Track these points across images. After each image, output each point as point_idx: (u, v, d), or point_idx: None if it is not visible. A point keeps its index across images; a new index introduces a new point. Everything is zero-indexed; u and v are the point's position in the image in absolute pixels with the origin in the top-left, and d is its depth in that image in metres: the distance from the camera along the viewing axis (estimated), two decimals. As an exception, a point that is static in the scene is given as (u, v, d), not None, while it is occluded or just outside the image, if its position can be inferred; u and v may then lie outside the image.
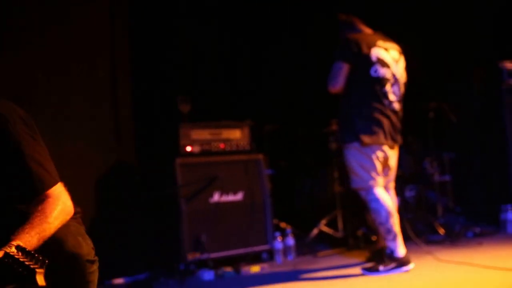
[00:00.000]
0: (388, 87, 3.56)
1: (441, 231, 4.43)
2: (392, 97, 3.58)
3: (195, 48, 4.94)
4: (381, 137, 3.51)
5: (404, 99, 3.72)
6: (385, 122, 3.53)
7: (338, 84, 3.54)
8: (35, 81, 3.59)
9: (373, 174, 3.51)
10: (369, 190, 3.51)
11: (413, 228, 4.14)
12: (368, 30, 3.72)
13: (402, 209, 4.23)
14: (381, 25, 3.81)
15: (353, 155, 3.55)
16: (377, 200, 3.48)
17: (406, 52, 3.78)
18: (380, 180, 3.54)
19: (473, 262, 3.41)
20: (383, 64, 3.56)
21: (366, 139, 3.48)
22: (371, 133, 3.49)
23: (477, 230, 4.46)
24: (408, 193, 4.66)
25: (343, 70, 3.52)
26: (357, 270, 3.55)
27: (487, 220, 4.74)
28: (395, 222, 3.47)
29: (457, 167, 5.03)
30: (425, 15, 5.37)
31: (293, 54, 5.56)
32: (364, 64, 3.52)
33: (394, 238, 3.46)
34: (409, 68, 3.78)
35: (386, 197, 3.52)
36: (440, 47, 5.36)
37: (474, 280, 3.02)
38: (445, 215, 4.73)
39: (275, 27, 5.49)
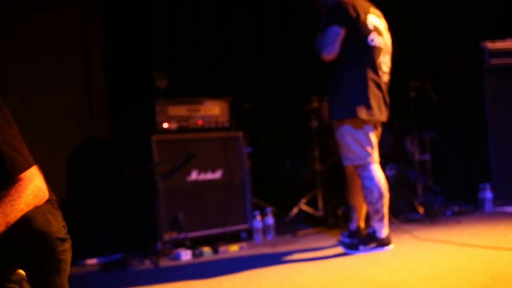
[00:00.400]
0: (382, 58, 3.37)
1: (421, 210, 4.44)
2: (384, 68, 3.41)
3: (173, 23, 4.80)
4: (377, 110, 3.32)
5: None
6: (379, 95, 3.35)
7: (334, 51, 3.26)
8: (5, 57, 3.45)
9: (369, 149, 3.35)
10: (366, 166, 3.34)
11: (393, 207, 4.12)
12: None
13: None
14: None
15: (347, 130, 3.34)
16: (372, 178, 3.33)
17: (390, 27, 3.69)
18: (376, 155, 3.39)
19: (451, 240, 3.41)
20: (379, 32, 3.36)
21: (362, 113, 3.26)
22: (368, 106, 3.27)
23: (456, 208, 4.48)
24: (388, 172, 4.63)
25: (341, 35, 3.25)
26: (336, 249, 3.52)
27: (466, 199, 4.77)
28: (385, 203, 3.36)
29: (438, 147, 5.03)
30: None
31: (273, 30, 5.46)
32: (361, 31, 3.28)
33: (381, 219, 3.36)
34: (393, 45, 3.70)
35: (381, 177, 3.36)
36: (423, 26, 5.31)
37: (452, 257, 3.01)
38: (425, 194, 4.73)
39: (256, 3, 5.36)
